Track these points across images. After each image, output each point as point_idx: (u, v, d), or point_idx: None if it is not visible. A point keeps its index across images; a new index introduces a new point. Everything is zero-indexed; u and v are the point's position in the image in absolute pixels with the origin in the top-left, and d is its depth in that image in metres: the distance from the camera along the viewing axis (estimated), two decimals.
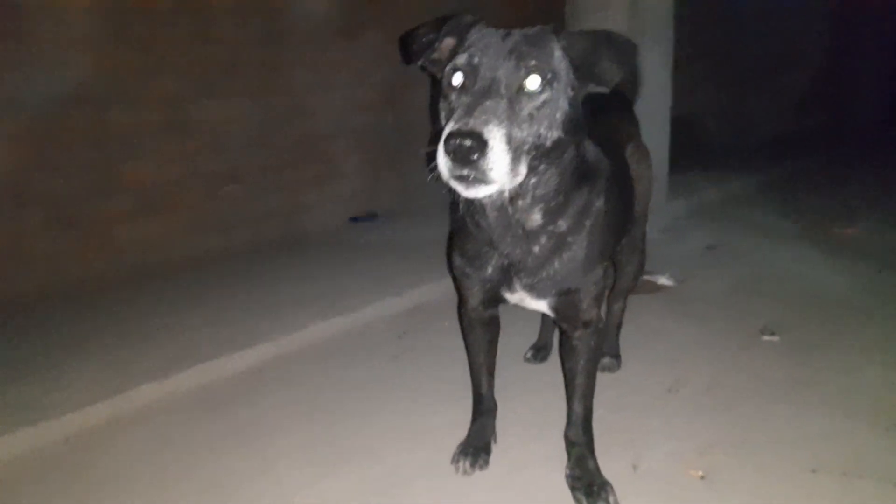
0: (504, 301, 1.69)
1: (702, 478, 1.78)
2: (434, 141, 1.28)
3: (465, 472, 1.82)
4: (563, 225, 1.53)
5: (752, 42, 7.03)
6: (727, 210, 4.81)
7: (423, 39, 1.47)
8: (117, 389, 2.20)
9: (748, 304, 3.03)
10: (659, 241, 3.90)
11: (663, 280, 3.35)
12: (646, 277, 3.29)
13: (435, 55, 1.48)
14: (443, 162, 1.24)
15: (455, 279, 1.76)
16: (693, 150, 4.56)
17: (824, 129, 7.41)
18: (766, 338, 2.67)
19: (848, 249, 3.80)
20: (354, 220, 4.38)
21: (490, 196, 1.38)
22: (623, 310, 2.49)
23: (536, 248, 1.54)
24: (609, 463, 1.79)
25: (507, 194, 1.43)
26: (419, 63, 1.51)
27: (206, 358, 2.43)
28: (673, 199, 4.44)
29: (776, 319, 2.80)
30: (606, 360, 2.42)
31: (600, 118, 1.90)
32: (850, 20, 7.72)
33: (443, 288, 3.07)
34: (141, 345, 2.53)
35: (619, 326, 2.49)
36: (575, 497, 1.70)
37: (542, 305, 1.63)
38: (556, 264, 1.56)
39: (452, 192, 1.32)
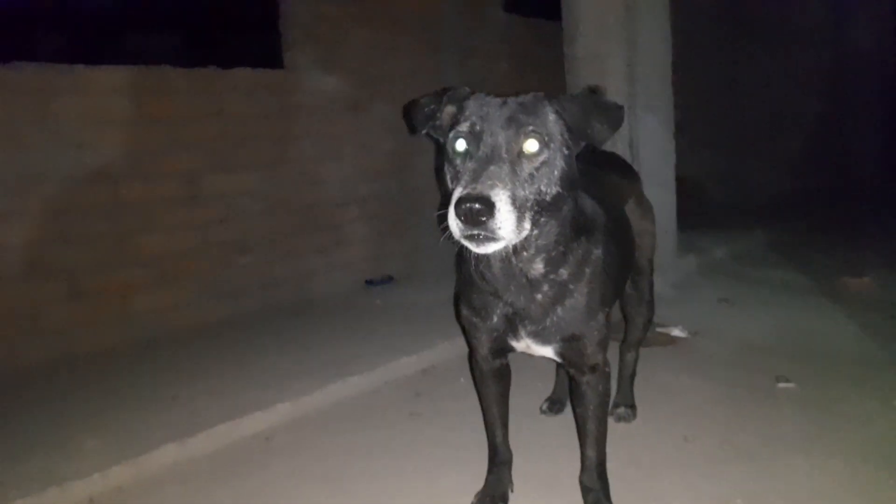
0: (511, 349, 1.76)
1: None
2: (444, 204, 1.39)
3: None
4: (564, 273, 1.61)
5: (749, 105, 7.27)
6: (735, 266, 4.85)
7: (426, 109, 1.61)
8: (134, 454, 2.25)
9: (761, 355, 3.03)
10: (672, 296, 3.94)
11: (677, 332, 3.37)
12: (659, 329, 3.32)
13: (437, 122, 1.61)
14: (455, 224, 1.35)
15: (464, 329, 1.83)
16: (694, 210, 4.68)
17: (822, 188, 7.53)
18: (781, 385, 2.67)
19: (858, 300, 3.81)
20: (370, 283, 4.49)
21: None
22: (636, 360, 2.52)
23: (539, 296, 1.62)
24: None
25: (510, 246, 1.53)
26: (423, 132, 1.64)
27: (217, 422, 2.44)
28: (682, 255, 4.51)
29: (790, 369, 2.79)
30: (622, 411, 2.44)
31: (601, 177, 2.03)
32: (844, 81, 7.94)
33: (457, 347, 3.11)
34: (154, 412, 2.57)
35: (632, 377, 2.52)
36: None
37: (548, 352, 1.69)
38: (560, 311, 1.63)
39: (459, 245, 1.42)
